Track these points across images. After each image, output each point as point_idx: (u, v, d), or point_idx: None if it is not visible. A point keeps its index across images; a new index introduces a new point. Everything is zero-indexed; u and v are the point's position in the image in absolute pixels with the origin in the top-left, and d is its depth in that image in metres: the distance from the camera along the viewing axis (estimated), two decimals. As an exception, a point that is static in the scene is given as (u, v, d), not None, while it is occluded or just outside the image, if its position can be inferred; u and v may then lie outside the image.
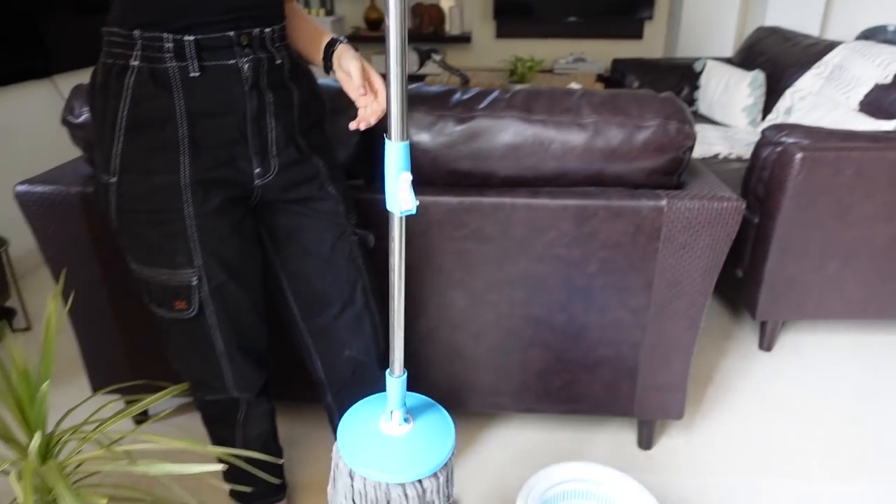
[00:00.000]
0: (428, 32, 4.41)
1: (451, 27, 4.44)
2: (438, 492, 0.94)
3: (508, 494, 1.49)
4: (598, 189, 1.31)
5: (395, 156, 0.80)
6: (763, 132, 1.81)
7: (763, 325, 2.01)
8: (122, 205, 0.97)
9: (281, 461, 1.32)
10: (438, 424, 1.00)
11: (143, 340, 1.53)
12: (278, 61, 0.98)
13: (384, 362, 1.23)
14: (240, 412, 1.19)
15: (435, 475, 0.93)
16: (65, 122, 1.32)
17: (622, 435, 1.66)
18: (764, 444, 1.63)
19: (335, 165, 1.12)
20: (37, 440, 0.85)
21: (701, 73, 3.23)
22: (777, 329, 2.02)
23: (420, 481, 0.92)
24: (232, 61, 0.93)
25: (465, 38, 4.44)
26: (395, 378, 0.96)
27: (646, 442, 1.61)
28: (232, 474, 1.28)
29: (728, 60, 3.29)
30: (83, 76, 2.91)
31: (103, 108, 0.94)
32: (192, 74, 0.91)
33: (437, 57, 2.47)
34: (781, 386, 1.86)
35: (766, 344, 2.02)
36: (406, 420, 0.99)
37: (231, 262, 1.03)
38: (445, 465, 0.96)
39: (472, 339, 1.45)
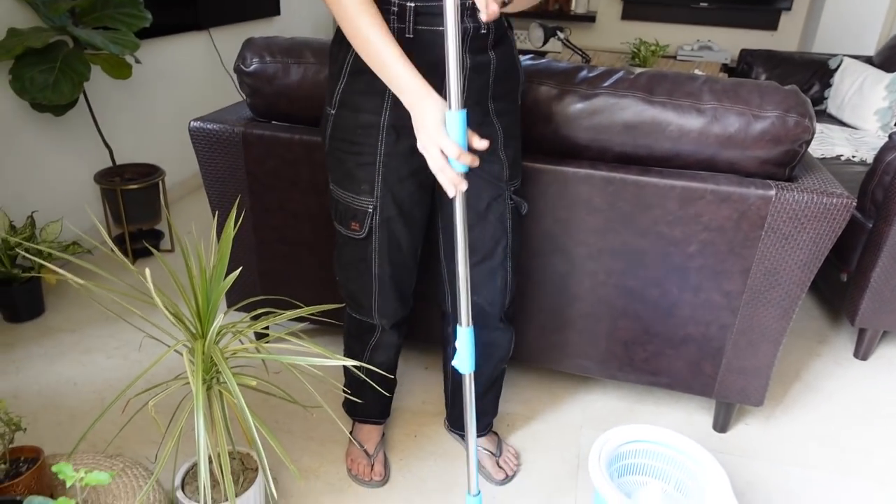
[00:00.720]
0: (553, 10, 4.44)
1: (577, 6, 4.44)
2: None
3: (582, 451, 1.61)
4: (708, 173, 1.37)
5: (454, 124, 0.95)
6: (890, 135, 1.78)
7: (861, 332, 1.98)
8: (334, 133, 1.16)
9: (395, 382, 1.51)
10: None
11: (275, 268, 1.75)
12: (483, 31, 1.10)
13: (505, 314, 1.36)
14: (374, 336, 1.37)
15: None
16: (236, 69, 1.53)
17: (698, 416, 1.73)
18: (842, 444, 1.65)
19: (514, 134, 1.23)
20: (217, 324, 1.06)
21: (835, 70, 3.10)
22: (876, 339, 1.98)
23: None
24: (441, 28, 1.05)
25: (589, 18, 4.43)
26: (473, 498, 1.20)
27: (721, 425, 1.67)
28: (350, 388, 1.48)
29: (868, 60, 3.13)
30: (229, 30, 3.21)
31: (337, 53, 1.13)
32: (407, 35, 1.06)
33: (561, 35, 2.54)
34: (871, 395, 1.84)
35: (862, 352, 2.00)
36: None
37: (403, 201, 1.19)
38: None
39: (567, 303, 1.56)
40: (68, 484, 0.72)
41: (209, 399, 1.19)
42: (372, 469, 1.49)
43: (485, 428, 1.56)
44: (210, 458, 1.25)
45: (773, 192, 1.31)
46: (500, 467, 1.51)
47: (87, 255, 2.32)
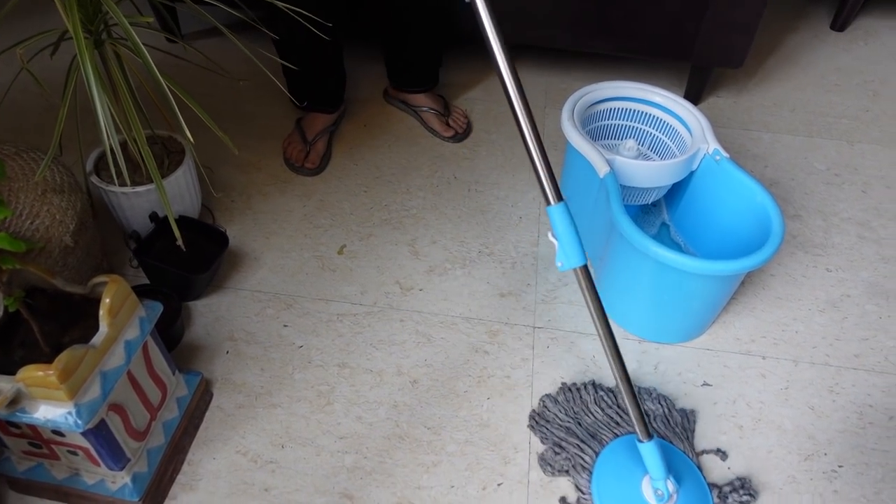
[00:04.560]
0: None
1: None
2: None
3: (546, 129, 1.48)
4: None
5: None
6: None
7: (842, 1, 1.81)
8: None
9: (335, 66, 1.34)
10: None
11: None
12: None
13: None
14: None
15: None
16: None
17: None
18: (813, 110, 1.57)
19: None
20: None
21: None
22: (855, 9, 1.83)
23: None
24: None
25: None
26: (646, 443, 0.77)
27: (693, 95, 1.55)
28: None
29: None
30: None
31: None
32: None
33: None
34: (846, 64, 1.74)
35: (839, 23, 1.86)
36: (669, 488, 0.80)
37: None
38: None
39: (532, -48, 1.31)
40: None
41: (103, 60, 0.96)
42: (306, 157, 1.34)
43: (427, 82, 1.47)
44: (126, 142, 1.06)
45: None
46: (450, 125, 1.46)
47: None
